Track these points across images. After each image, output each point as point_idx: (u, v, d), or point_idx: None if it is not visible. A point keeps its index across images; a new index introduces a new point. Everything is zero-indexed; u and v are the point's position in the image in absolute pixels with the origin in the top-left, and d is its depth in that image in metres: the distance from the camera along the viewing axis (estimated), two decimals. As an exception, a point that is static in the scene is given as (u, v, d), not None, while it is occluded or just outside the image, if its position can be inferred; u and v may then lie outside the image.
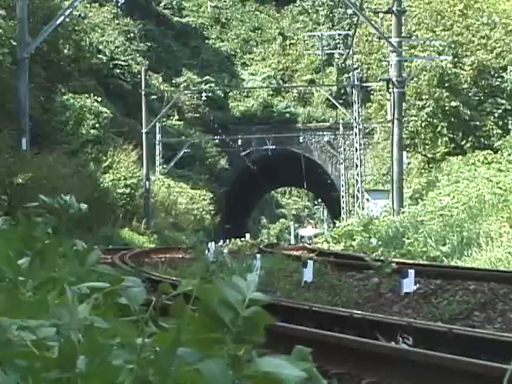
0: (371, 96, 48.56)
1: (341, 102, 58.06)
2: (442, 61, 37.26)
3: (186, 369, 1.33)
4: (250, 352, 1.36)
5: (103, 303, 1.72)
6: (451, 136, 39.18)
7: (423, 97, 39.10)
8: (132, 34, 63.68)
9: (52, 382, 1.39)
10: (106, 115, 42.91)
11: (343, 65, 64.67)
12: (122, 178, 39.72)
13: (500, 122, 38.13)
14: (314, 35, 66.86)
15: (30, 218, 2.34)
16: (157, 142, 56.58)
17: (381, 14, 36.60)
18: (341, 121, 63.36)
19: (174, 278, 11.63)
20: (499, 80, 38.78)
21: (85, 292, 1.81)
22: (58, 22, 28.82)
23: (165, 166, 55.83)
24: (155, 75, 63.70)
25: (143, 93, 44.67)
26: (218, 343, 1.36)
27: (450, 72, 38.78)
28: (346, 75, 64.71)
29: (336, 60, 69.47)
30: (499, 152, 32.43)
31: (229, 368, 1.31)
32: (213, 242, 26.41)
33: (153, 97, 56.34)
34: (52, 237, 2.30)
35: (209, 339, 1.36)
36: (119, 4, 67.02)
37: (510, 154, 30.16)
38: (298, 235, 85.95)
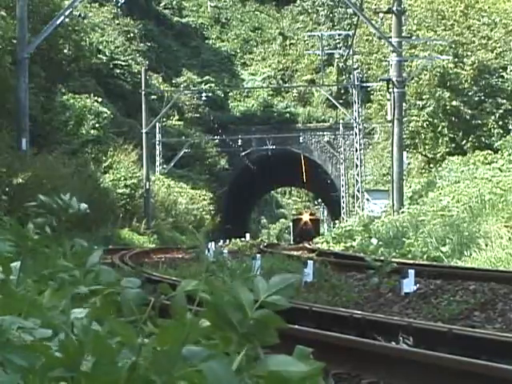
0: (371, 96, 48.56)
1: (341, 102, 58.04)
2: (442, 60, 37.26)
3: (189, 369, 1.33)
4: (257, 351, 1.36)
5: (102, 303, 1.72)
6: (452, 136, 39.19)
7: (424, 97, 39.10)
8: (132, 34, 63.67)
9: (55, 380, 1.38)
10: (105, 115, 42.91)
11: (343, 65, 64.65)
12: (122, 178, 39.70)
13: (500, 122, 38.15)
14: (314, 35, 66.84)
15: (24, 218, 2.34)
16: (157, 142, 56.56)
17: (381, 14, 36.57)
18: (341, 121, 63.36)
19: (174, 278, 11.63)
20: (500, 80, 38.79)
21: (83, 292, 1.81)
22: (58, 21, 28.81)
23: (165, 166, 55.81)
24: (155, 75, 63.70)
25: (143, 93, 44.65)
26: (226, 343, 1.35)
27: (450, 72, 38.78)
28: (346, 75, 64.71)
29: (336, 60, 69.46)
30: (499, 152, 32.43)
31: (233, 368, 1.31)
32: (213, 242, 26.42)
33: (153, 97, 56.34)
34: (48, 236, 2.29)
35: (216, 338, 1.36)
36: (119, 4, 67.03)
37: (510, 154, 30.15)
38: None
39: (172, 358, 1.33)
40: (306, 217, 72.76)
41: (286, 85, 72.47)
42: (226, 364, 1.30)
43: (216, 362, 1.29)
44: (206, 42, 77.46)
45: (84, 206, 2.81)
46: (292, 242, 56.19)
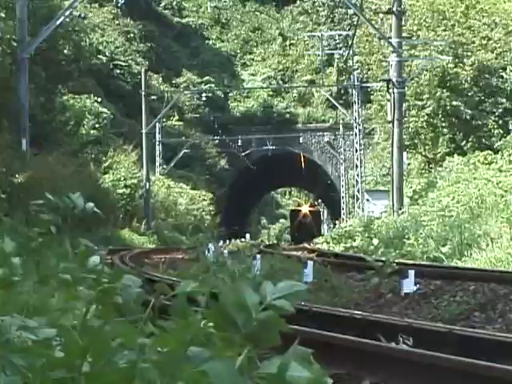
0: (371, 96, 48.56)
1: (341, 102, 58.02)
2: (442, 61, 37.26)
3: (193, 370, 1.32)
4: (262, 354, 1.35)
5: (101, 303, 1.71)
6: (451, 136, 39.19)
7: (423, 97, 39.10)
8: (132, 35, 63.65)
9: (56, 381, 1.38)
10: (105, 116, 42.91)
11: (343, 65, 64.63)
12: (122, 178, 39.70)
13: (500, 122, 38.15)
14: (314, 35, 66.79)
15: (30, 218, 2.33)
16: (157, 143, 56.53)
17: (381, 15, 36.58)
18: (341, 121, 63.30)
19: (174, 279, 11.62)
20: (500, 80, 38.79)
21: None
22: (58, 22, 28.84)
23: (165, 166, 55.76)
24: (155, 76, 63.67)
25: (143, 93, 44.63)
26: (229, 344, 1.35)
27: (450, 72, 38.78)
28: (346, 76, 64.68)
29: (336, 60, 69.42)
30: (499, 152, 32.42)
31: (236, 369, 1.30)
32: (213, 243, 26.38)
33: (153, 97, 56.29)
34: (52, 236, 2.29)
35: (220, 339, 1.35)
36: (119, 4, 66.98)
37: (510, 155, 30.15)
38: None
39: (176, 360, 1.32)
40: (305, 208, 68.40)
41: (286, 85, 72.41)
42: (229, 364, 1.29)
43: (219, 362, 1.29)
44: (206, 42, 77.41)
45: (90, 205, 2.79)
46: (291, 242, 55.65)
